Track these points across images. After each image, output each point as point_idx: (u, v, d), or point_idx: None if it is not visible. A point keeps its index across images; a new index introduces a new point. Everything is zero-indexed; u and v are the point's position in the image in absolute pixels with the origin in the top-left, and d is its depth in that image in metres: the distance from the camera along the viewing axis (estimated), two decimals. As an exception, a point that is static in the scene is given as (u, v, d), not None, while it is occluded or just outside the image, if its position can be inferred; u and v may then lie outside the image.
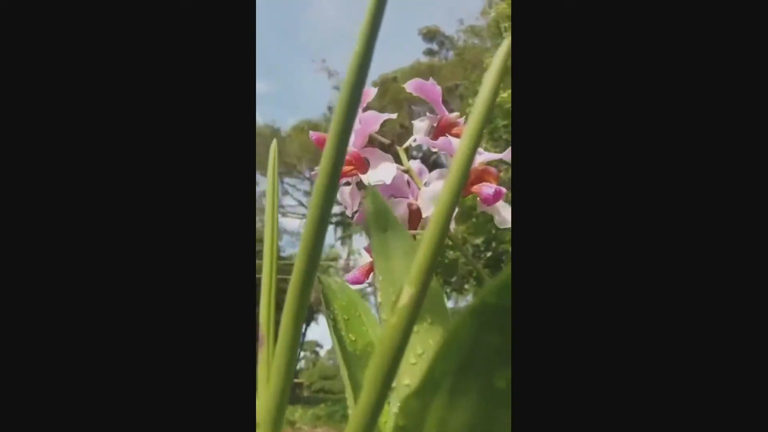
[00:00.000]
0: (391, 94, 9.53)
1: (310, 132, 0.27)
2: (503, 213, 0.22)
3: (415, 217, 0.25)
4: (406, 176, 0.26)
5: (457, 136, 0.25)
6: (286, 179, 11.00)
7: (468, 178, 0.21)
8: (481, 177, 0.21)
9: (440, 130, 0.26)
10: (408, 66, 9.65)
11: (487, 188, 0.21)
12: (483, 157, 0.22)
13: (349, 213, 0.23)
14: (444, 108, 0.26)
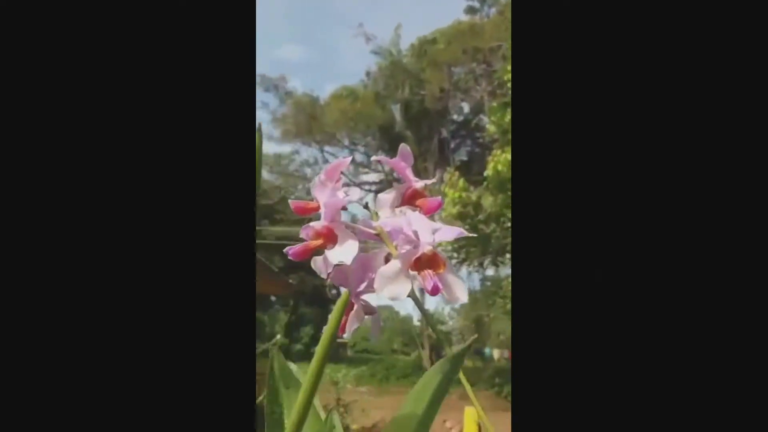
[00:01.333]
0: (429, 57, 9.26)
1: (290, 201, 0.26)
2: (454, 293, 0.22)
3: None
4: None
5: (421, 207, 0.25)
6: (326, 148, 11.05)
7: (416, 264, 0.22)
8: (430, 262, 0.22)
9: (406, 199, 0.26)
10: (447, 26, 9.28)
11: (428, 282, 0.21)
12: (438, 235, 0.22)
13: (323, 276, 0.25)
14: (412, 177, 0.26)
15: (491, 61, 8.00)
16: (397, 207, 0.26)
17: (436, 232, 0.22)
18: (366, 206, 0.26)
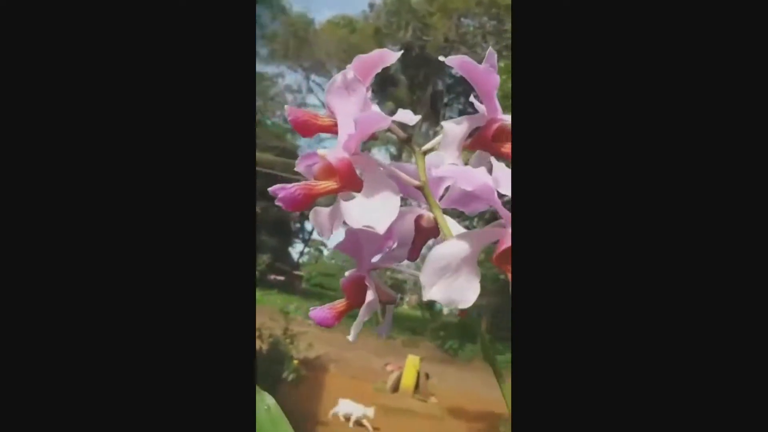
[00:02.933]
0: (440, 1, 8.72)
1: (287, 108, 0.19)
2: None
3: (423, 235, 0.17)
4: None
5: (506, 156, 0.17)
6: (313, 76, 10.51)
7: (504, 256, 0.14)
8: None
9: (483, 138, 0.17)
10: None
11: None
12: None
13: (325, 237, 0.17)
14: (498, 105, 0.17)
15: (505, 19, 7.62)
16: (464, 149, 0.16)
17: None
18: (408, 140, 0.16)
